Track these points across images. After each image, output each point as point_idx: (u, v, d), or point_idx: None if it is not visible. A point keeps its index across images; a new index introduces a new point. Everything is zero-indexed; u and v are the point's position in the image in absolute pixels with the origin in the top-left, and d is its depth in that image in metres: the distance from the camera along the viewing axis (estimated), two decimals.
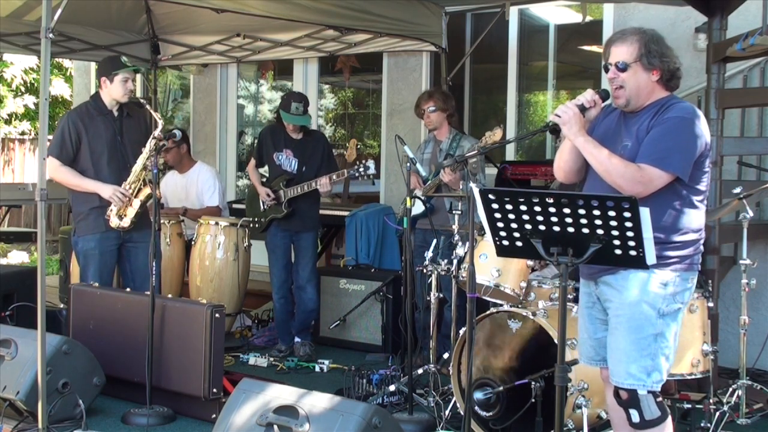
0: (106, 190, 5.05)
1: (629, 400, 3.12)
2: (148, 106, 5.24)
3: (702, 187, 3.17)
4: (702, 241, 3.21)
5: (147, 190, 4.89)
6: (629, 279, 3.10)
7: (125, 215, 5.06)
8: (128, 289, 5.20)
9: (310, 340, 6.08)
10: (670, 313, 3.11)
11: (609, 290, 3.17)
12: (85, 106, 5.36)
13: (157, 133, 4.96)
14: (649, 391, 3.10)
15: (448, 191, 5.34)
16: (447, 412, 4.47)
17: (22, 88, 14.90)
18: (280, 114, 5.87)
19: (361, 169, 5.57)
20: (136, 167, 5.05)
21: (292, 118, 5.81)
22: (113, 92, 5.14)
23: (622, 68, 3.14)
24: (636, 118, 3.19)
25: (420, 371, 4.96)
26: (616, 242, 2.85)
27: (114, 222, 5.07)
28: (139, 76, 8.34)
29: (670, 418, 3.19)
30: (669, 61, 3.17)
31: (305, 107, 5.83)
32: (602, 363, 3.31)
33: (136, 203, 5.03)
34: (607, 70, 3.20)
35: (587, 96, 3.20)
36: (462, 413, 4.14)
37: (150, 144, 4.97)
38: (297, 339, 6.03)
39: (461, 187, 5.02)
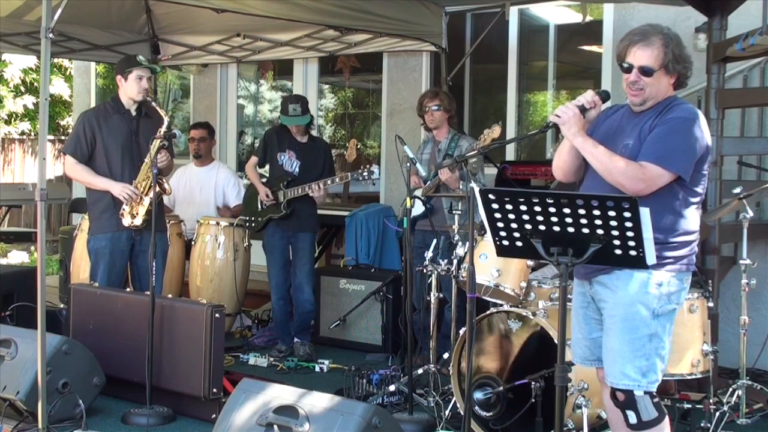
0: (116, 188, 5.08)
1: (626, 401, 3.12)
2: (154, 103, 5.23)
3: (699, 189, 3.17)
4: (697, 243, 3.21)
5: (157, 188, 4.88)
6: (623, 279, 3.10)
7: (137, 213, 5.07)
8: (128, 289, 5.20)
9: (309, 340, 6.08)
10: (665, 313, 3.11)
11: (603, 290, 3.18)
12: (102, 106, 5.42)
13: (162, 130, 4.98)
14: (645, 392, 3.10)
15: (448, 191, 5.34)
16: (447, 412, 4.47)
17: (22, 88, 14.90)
18: (281, 120, 5.92)
19: (365, 173, 5.57)
20: (144, 165, 5.06)
21: (291, 119, 5.84)
22: (128, 90, 5.15)
23: (647, 73, 3.11)
24: (639, 118, 3.19)
25: (420, 371, 4.96)
26: (616, 242, 2.85)
27: (127, 221, 5.08)
28: None
29: (667, 418, 3.18)
30: (688, 66, 3.16)
31: (303, 107, 5.85)
32: (597, 363, 3.31)
33: (147, 201, 5.03)
34: (626, 71, 3.15)
35: (587, 97, 3.20)
36: (462, 413, 4.14)
37: (154, 143, 5.00)
38: (296, 339, 6.03)
39: (460, 186, 5.02)
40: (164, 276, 5.53)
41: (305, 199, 5.86)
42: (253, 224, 6.07)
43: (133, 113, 5.21)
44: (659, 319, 3.10)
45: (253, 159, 6.12)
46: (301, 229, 5.94)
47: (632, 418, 3.11)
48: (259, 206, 5.99)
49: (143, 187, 5.07)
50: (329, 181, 5.75)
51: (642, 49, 3.12)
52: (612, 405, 3.22)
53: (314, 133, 6.20)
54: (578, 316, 3.36)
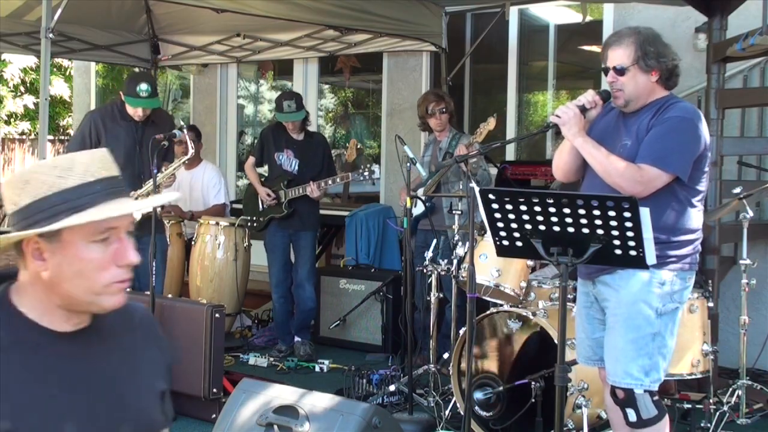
0: None
1: (626, 399, 3.12)
2: (184, 131, 5.00)
3: (701, 187, 3.17)
4: (700, 241, 3.21)
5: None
6: (626, 278, 3.10)
7: None
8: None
9: (309, 339, 6.08)
10: (668, 312, 3.12)
11: (606, 290, 3.18)
12: (111, 107, 5.33)
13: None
14: (645, 390, 3.10)
15: (449, 191, 5.34)
16: (447, 412, 4.47)
17: (22, 88, 14.90)
18: (276, 117, 5.92)
19: (366, 174, 5.59)
20: (149, 186, 4.86)
21: (286, 116, 5.84)
22: (127, 108, 5.14)
23: (620, 72, 3.14)
24: (635, 117, 3.19)
25: (420, 371, 4.96)
26: (616, 242, 2.84)
27: None
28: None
29: (667, 416, 3.18)
30: (666, 60, 3.16)
31: (297, 104, 5.84)
32: (600, 363, 3.31)
33: (138, 215, 4.99)
34: (606, 73, 3.21)
35: (588, 97, 3.21)
36: (462, 413, 4.14)
37: (168, 168, 5.02)
38: (297, 338, 6.03)
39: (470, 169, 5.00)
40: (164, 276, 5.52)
41: (306, 198, 5.87)
42: (254, 224, 6.07)
43: (139, 121, 5.18)
44: (662, 318, 3.10)
45: (251, 159, 6.12)
46: (303, 228, 5.95)
47: (632, 416, 3.11)
48: (260, 206, 5.99)
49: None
50: (330, 182, 5.76)
51: (614, 50, 3.17)
52: (613, 404, 3.22)
53: (310, 128, 6.18)
54: (581, 316, 3.36)
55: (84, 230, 1.52)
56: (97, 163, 1.55)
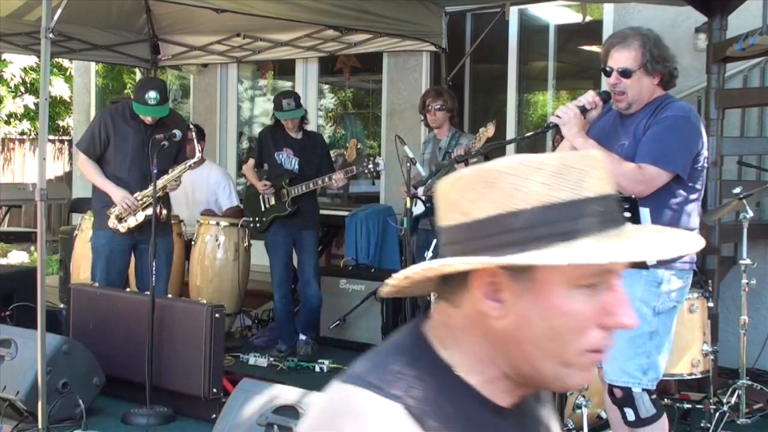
0: (117, 195, 5.06)
1: (624, 398, 3.12)
2: (193, 133, 5.15)
3: (698, 185, 3.18)
4: None
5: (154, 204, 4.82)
6: (624, 277, 3.09)
7: (125, 221, 5.06)
8: (128, 289, 5.20)
9: (314, 338, 6.08)
10: (666, 311, 3.12)
11: None
12: (122, 107, 5.31)
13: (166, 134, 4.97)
14: (643, 389, 3.10)
15: None
16: None
17: (22, 88, 14.89)
18: (276, 116, 5.91)
19: (371, 166, 5.59)
20: (153, 186, 4.81)
21: (286, 114, 5.83)
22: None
23: (626, 74, 3.13)
24: (633, 118, 3.19)
25: None
26: None
27: (111, 222, 5.07)
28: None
29: (665, 416, 3.18)
30: (670, 65, 3.17)
31: (296, 101, 5.85)
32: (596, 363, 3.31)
33: (141, 216, 5.02)
34: (608, 74, 3.19)
35: (588, 97, 3.21)
36: None
37: (175, 170, 5.04)
38: (302, 336, 6.02)
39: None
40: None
41: (308, 196, 5.88)
42: (257, 224, 6.07)
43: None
44: (660, 316, 3.10)
45: (251, 161, 6.13)
46: (305, 227, 5.95)
47: (630, 415, 3.11)
48: (263, 206, 5.99)
49: (144, 203, 5.05)
50: (342, 174, 5.72)
51: (620, 52, 3.15)
52: (612, 403, 3.22)
53: (308, 128, 6.19)
54: None
55: (571, 270, 1.04)
56: (597, 171, 1.05)
